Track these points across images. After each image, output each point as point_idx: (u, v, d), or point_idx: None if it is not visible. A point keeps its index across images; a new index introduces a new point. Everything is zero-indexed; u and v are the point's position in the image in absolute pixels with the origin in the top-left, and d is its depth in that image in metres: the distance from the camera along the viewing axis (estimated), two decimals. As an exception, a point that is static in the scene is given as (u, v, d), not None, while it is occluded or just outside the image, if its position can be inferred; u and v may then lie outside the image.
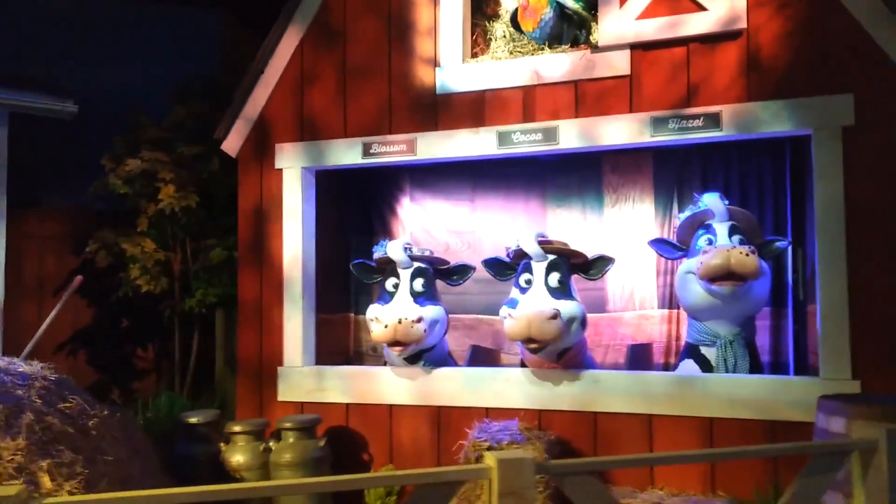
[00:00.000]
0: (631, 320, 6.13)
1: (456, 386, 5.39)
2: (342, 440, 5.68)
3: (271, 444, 5.38)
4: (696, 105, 4.93)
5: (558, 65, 5.28)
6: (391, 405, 5.56)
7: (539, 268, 5.18)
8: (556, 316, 4.73)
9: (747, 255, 4.75)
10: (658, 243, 5.41)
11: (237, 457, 5.42)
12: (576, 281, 6.16)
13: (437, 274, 5.81)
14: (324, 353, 6.11)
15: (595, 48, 5.18)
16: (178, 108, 6.73)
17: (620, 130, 5.09)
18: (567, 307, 4.91)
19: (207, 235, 6.74)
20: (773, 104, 4.75)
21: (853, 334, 4.51)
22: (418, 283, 5.56)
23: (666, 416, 4.87)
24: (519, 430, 4.94)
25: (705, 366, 5.12)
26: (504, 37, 5.72)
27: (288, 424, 5.38)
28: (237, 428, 5.47)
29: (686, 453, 4.49)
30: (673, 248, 5.37)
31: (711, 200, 5.13)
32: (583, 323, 5.01)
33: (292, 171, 5.91)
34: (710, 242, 5.03)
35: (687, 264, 5.13)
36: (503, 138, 5.35)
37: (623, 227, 6.20)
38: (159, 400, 7.09)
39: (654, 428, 4.90)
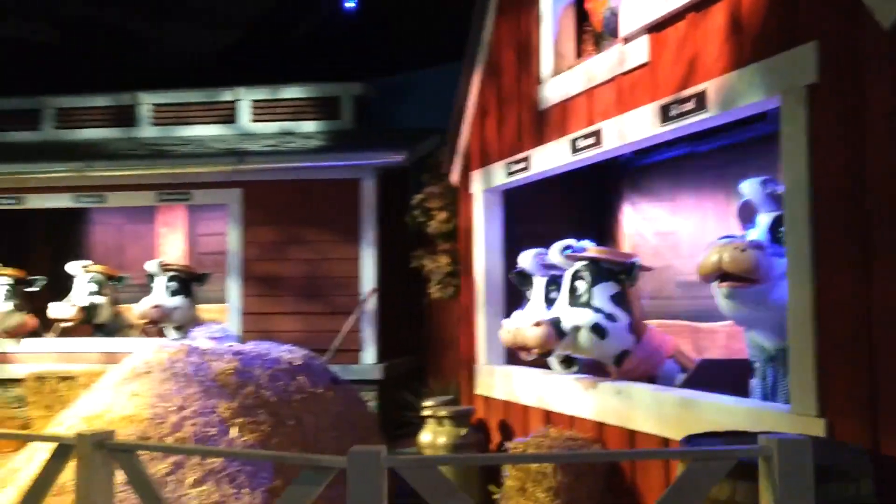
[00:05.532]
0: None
1: (559, 391, 5.54)
2: (503, 432, 6.32)
3: (435, 428, 6.42)
4: (691, 85, 4.25)
5: (602, 64, 5.05)
6: (525, 405, 5.98)
7: (566, 276, 5.09)
8: (538, 325, 4.71)
9: (742, 250, 3.91)
10: None
11: (423, 434, 6.62)
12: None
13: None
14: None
15: (625, 40, 4.83)
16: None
17: (644, 124, 4.65)
18: (574, 316, 4.79)
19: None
20: (748, 70, 3.85)
21: (819, 357, 3.42)
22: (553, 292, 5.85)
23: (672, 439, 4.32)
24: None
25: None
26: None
27: (442, 413, 6.35)
28: (426, 412, 6.66)
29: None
30: None
31: (749, 188, 4.22)
32: (597, 331, 4.77)
33: (478, 194, 6.77)
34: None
35: None
36: (573, 145, 5.34)
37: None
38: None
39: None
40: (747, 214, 4.41)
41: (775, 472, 2.53)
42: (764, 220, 4.22)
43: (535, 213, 7.00)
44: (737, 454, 2.63)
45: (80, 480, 3.24)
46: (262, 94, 10.87)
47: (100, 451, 3.23)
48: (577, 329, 4.79)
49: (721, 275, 4.02)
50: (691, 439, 3.37)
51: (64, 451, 3.39)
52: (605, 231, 7.10)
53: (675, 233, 6.36)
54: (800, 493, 2.52)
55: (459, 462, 6.14)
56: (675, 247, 6.32)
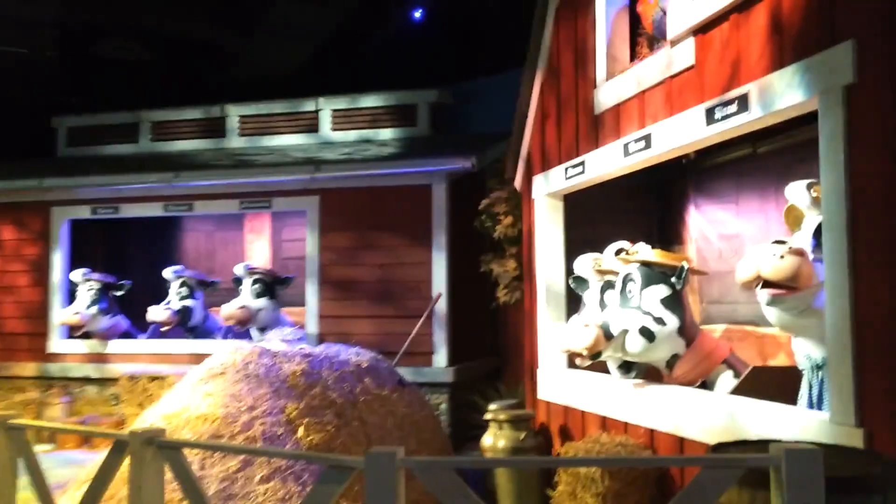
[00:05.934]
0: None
1: (614, 397, 5.51)
2: (563, 437, 6.31)
3: (496, 432, 6.47)
4: (735, 86, 4.18)
5: (652, 67, 5.00)
6: (582, 411, 5.97)
7: (618, 279, 5.09)
8: (587, 328, 4.72)
9: (781, 256, 3.85)
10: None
11: (486, 438, 6.69)
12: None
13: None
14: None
15: (672, 43, 4.77)
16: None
17: (691, 127, 4.59)
18: (623, 319, 4.77)
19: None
20: (788, 71, 3.76)
21: (857, 366, 3.32)
22: (608, 296, 5.84)
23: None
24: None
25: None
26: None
27: (502, 417, 6.39)
28: (488, 416, 6.71)
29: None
30: None
31: (792, 192, 4.15)
32: (645, 334, 4.72)
33: (539, 198, 6.79)
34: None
35: None
36: (625, 149, 5.31)
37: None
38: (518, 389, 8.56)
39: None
40: (794, 219, 4.31)
41: (784, 481, 2.50)
42: (809, 224, 4.12)
43: (599, 217, 6.98)
44: (746, 463, 2.60)
45: (132, 475, 3.48)
46: (341, 103, 11.20)
47: (149, 448, 3.46)
48: (624, 332, 4.77)
49: (762, 282, 3.96)
50: (720, 447, 3.33)
51: (120, 447, 3.64)
52: (670, 234, 7.00)
53: (739, 235, 6.22)
54: (809, 503, 2.48)
55: (466, 464, 6.14)
56: (739, 250, 6.17)
